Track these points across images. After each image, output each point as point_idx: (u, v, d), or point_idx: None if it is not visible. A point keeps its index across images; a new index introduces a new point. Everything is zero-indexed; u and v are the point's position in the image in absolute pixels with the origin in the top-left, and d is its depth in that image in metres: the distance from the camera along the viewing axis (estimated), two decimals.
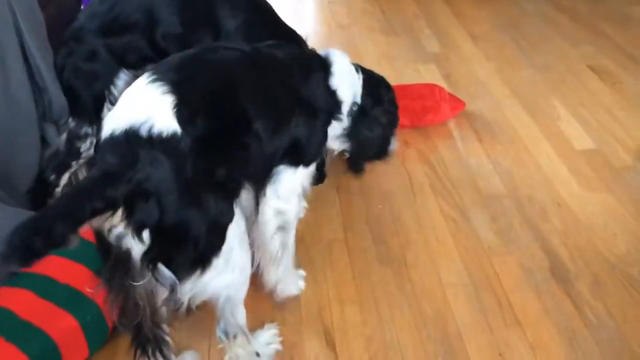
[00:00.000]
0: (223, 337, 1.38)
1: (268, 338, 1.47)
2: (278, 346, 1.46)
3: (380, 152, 1.77)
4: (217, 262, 1.20)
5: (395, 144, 1.81)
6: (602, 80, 2.56)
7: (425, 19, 3.20)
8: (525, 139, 2.21)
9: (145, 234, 1.08)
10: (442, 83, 2.52)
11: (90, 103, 1.83)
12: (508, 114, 2.37)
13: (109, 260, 1.13)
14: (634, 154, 2.11)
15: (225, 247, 1.21)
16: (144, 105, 1.13)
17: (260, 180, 1.38)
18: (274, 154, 1.37)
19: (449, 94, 2.34)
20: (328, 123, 1.53)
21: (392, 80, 1.88)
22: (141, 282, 1.14)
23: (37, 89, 1.94)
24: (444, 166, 2.09)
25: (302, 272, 1.66)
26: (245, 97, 1.26)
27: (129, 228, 1.07)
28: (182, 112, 1.12)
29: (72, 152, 1.87)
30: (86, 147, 1.88)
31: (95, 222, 1.04)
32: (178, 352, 1.38)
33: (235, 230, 1.24)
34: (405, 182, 2.03)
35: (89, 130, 1.86)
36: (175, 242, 1.13)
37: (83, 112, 1.84)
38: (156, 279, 1.14)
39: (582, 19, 3.14)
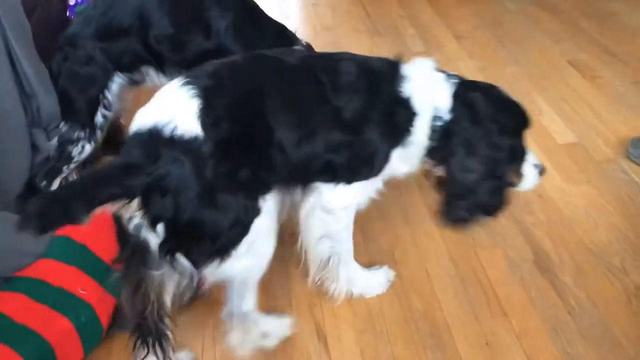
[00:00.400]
0: (227, 319, 1.41)
1: (280, 321, 1.50)
2: (287, 331, 1.49)
3: (489, 200, 1.41)
4: (239, 250, 1.24)
5: (531, 182, 1.47)
6: (582, 76, 2.62)
7: (409, 19, 3.24)
8: None
9: (160, 227, 1.14)
10: None
11: (84, 107, 1.85)
12: None
13: (127, 248, 1.18)
14: (614, 147, 2.16)
15: (249, 237, 1.24)
16: (171, 106, 1.19)
17: (292, 186, 1.39)
18: (306, 165, 1.33)
19: None
20: (385, 140, 1.37)
21: None
22: (158, 272, 1.20)
23: (26, 96, 1.95)
24: None
25: (389, 271, 1.65)
26: (271, 107, 1.26)
27: (145, 219, 1.14)
28: (207, 116, 1.16)
29: (64, 156, 1.89)
30: (78, 152, 1.89)
31: (111, 207, 1.09)
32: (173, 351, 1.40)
33: (263, 223, 1.27)
34: (393, 181, 2.05)
35: (82, 134, 1.88)
36: (191, 237, 1.18)
37: (76, 116, 1.86)
38: (174, 269, 1.20)
39: (562, 16, 3.19)
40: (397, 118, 1.37)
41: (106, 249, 1.50)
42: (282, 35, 1.96)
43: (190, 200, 1.13)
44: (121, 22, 1.82)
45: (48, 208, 1.00)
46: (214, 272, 1.25)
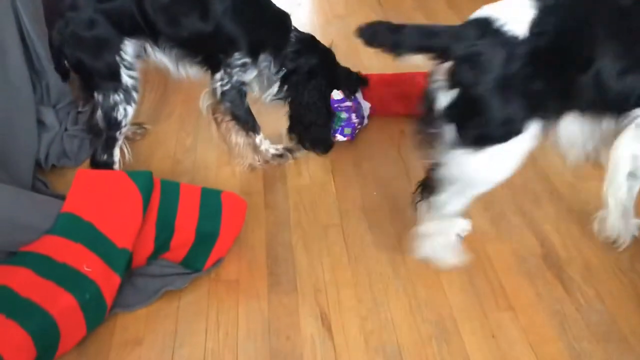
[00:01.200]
0: (424, 207, 1.60)
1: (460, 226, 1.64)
2: (465, 231, 1.66)
3: None
4: (486, 150, 1.37)
5: None
6: None
7: (423, 11, 3.21)
8: None
9: (453, 93, 1.35)
10: None
11: (106, 71, 1.83)
12: None
13: (425, 102, 1.43)
14: None
15: (498, 147, 1.38)
16: (511, 9, 1.37)
17: (597, 115, 1.45)
18: (627, 96, 1.40)
19: None
20: None
21: (389, 70, 1.88)
22: (434, 130, 1.43)
23: (35, 73, 1.95)
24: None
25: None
26: (597, 36, 1.35)
27: (447, 82, 1.35)
28: (535, 26, 1.32)
29: (112, 124, 1.87)
30: (122, 115, 1.87)
31: (425, 57, 1.37)
32: None
33: (517, 145, 1.39)
34: (400, 170, 2.05)
35: (117, 98, 1.85)
36: (471, 110, 1.35)
37: (103, 82, 1.84)
38: (443, 134, 1.40)
39: None
40: None
41: (113, 227, 1.49)
42: (281, 23, 1.95)
43: (489, 81, 1.31)
44: None
45: (377, 30, 1.34)
46: (455, 162, 1.40)
